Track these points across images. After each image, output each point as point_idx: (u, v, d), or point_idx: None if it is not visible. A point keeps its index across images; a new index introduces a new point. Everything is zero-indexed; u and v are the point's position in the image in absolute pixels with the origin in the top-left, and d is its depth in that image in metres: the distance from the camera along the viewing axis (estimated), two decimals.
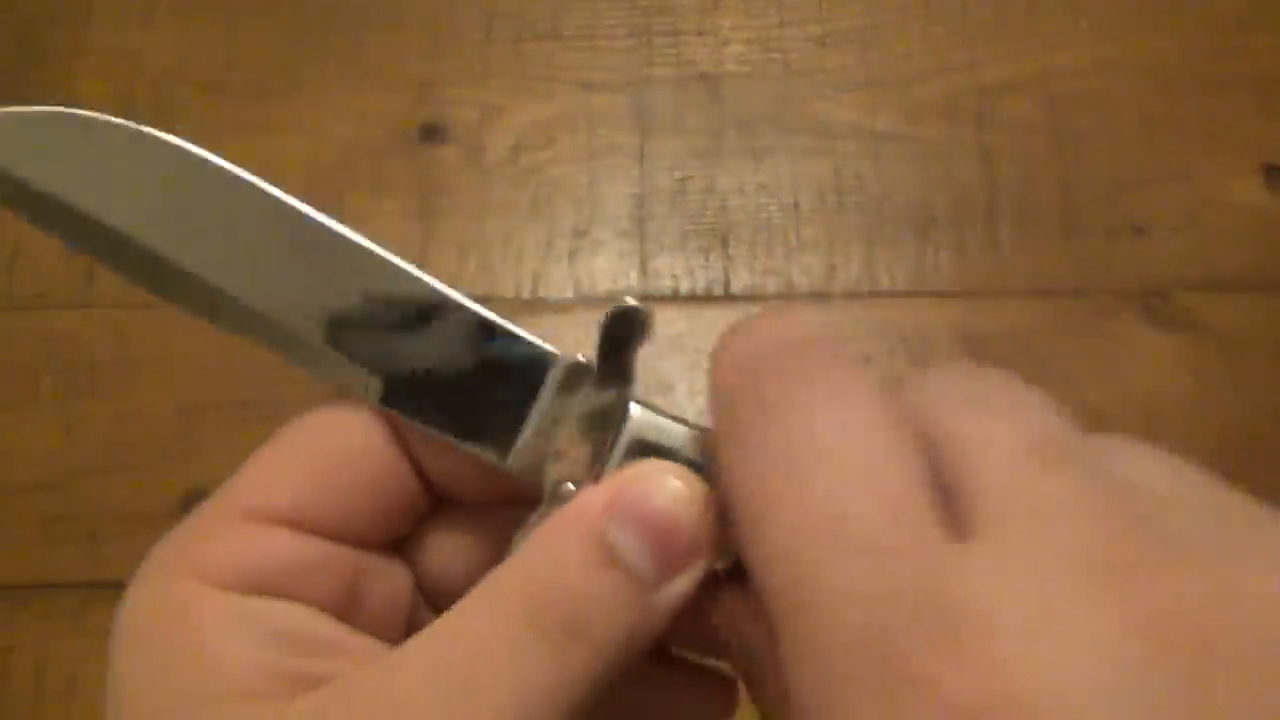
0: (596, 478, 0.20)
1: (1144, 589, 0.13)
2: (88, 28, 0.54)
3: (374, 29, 0.54)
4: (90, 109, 0.53)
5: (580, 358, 0.20)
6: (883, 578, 0.14)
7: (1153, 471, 0.16)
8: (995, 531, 0.15)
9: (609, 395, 0.20)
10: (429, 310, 0.20)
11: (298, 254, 0.20)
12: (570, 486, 0.20)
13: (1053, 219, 0.49)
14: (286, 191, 0.21)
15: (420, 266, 0.21)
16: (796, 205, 0.50)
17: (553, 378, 0.20)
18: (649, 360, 0.47)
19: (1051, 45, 0.52)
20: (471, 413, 0.20)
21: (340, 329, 0.20)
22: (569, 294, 0.48)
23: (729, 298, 0.48)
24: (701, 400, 0.45)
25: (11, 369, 0.47)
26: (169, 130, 0.21)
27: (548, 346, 0.20)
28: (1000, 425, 0.16)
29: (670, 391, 0.46)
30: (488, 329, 0.21)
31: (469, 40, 0.54)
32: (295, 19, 0.54)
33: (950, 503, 0.16)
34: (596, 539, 0.18)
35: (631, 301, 0.20)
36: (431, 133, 0.51)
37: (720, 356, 0.18)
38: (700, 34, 0.54)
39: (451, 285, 0.22)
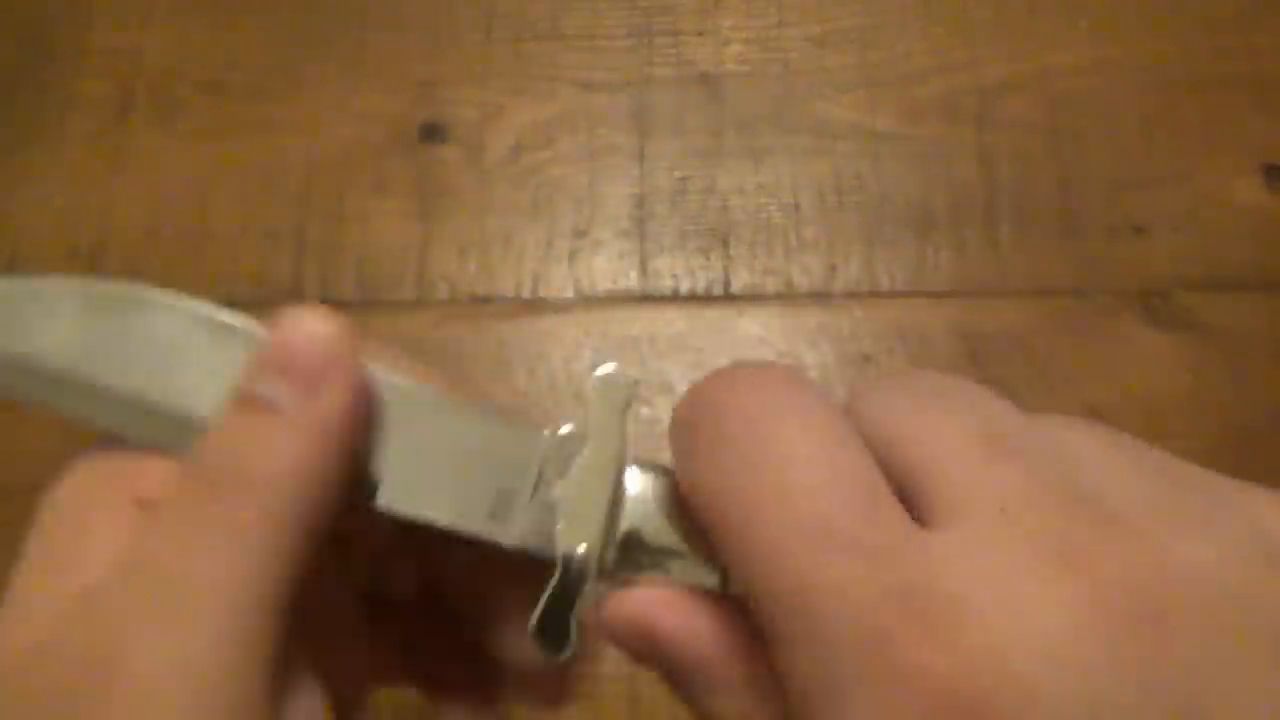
0: (607, 536, 0.20)
1: (1092, 566, 0.15)
2: (88, 28, 0.54)
3: (374, 29, 0.54)
4: (90, 109, 0.53)
5: (569, 427, 0.21)
6: (872, 576, 0.15)
7: (1094, 449, 0.17)
8: (959, 523, 0.16)
9: (606, 456, 0.21)
10: (412, 408, 0.21)
11: None
12: (582, 549, 0.20)
13: (1052, 219, 0.49)
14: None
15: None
16: (796, 205, 0.50)
17: (542, 451, 0.21)
18: (649, 360, 0.47)
19: (1051, 45, 0.52)
20: (467, 501, 0.21)
21: None
22: (569, 294, 0.48)
23: (729, 298, 0.48)
24: None
25: None
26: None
27: (531, 425, 0.21)
28: (952, 422, 0.17)
29: (670, 392, 0.46)
30: (471, 417, 0.21)
31: (469, 40, 0.54)
32: (295, 19, 0.54)
33: (907, 499, 0.17)
34: (234, 394, 0.19)
35: (611, 368, 0.21)
36: (431, 133, 0.51)
37: (682, 403, 0.19)
38: (700, 34, 0.54)
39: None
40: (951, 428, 0.17)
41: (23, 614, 0.19)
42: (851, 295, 0.48)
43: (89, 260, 0.49)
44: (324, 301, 0.43)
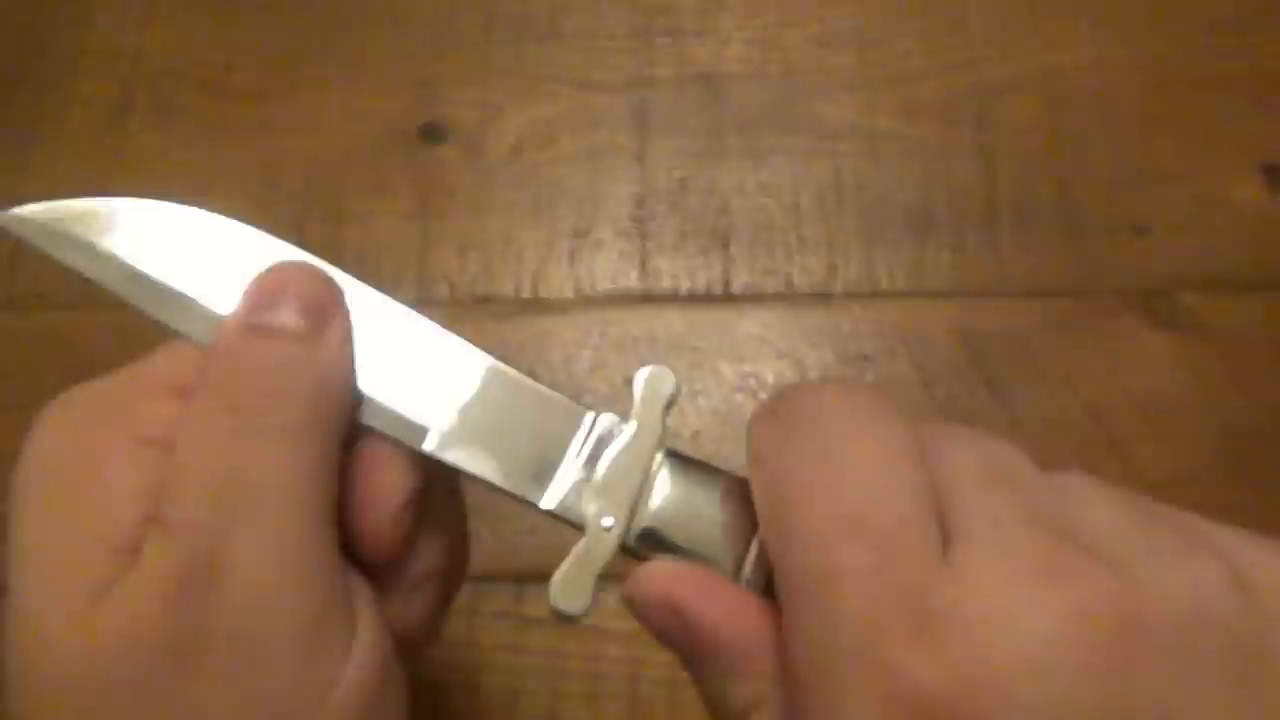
0: (633, 512, 0.22)
1: (1074, 584, 0.16)
2: (88, 28, 0.54)
3: (375, 29, 0.54)
4: (90, 109, 0.53)
5: (613, 415, 0.23)
6: (888, 573, 0.17)
7: (1085, 491, 0.19)
8: (959, 539, 0.18)
9: (644, 444, 0.23)
10: (474, 373, 0.24)
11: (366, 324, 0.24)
12: (609, 519, 0.22)
13: (1052, 219, 0.49)
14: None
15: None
16: (796, 205, 0.50)
17: (584, 429, 0.23)
18: (649, 360, 0.47)
19: (1051, 45, 0.52)
20: (510, 461, 0.23)
21: (397, 389, 0.23)
22: (569, 294, 0.48)
23: (729, 298, 0.48)
24: (702, 401, 0.46)
25: (13, 369, 0.47)
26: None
27: (576, 404, 0.24)
28: (963, 455, 0.19)
29: None
30: (524, 389, 0.24)
31: (470, 40, 0.54)
32: (296, 18, 0.54)
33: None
34: (245, 326, 0.22)
35: (659, 368, 0.24)
36: (431, 133, 0.51)
37: (774, 396, 0.21)
38: (700, 34, 0.54)
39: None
40: (963, 460, 0.19)
41: (78, 559, 0.20)
42: (851, 295, 0.48)
43: None
44: None
